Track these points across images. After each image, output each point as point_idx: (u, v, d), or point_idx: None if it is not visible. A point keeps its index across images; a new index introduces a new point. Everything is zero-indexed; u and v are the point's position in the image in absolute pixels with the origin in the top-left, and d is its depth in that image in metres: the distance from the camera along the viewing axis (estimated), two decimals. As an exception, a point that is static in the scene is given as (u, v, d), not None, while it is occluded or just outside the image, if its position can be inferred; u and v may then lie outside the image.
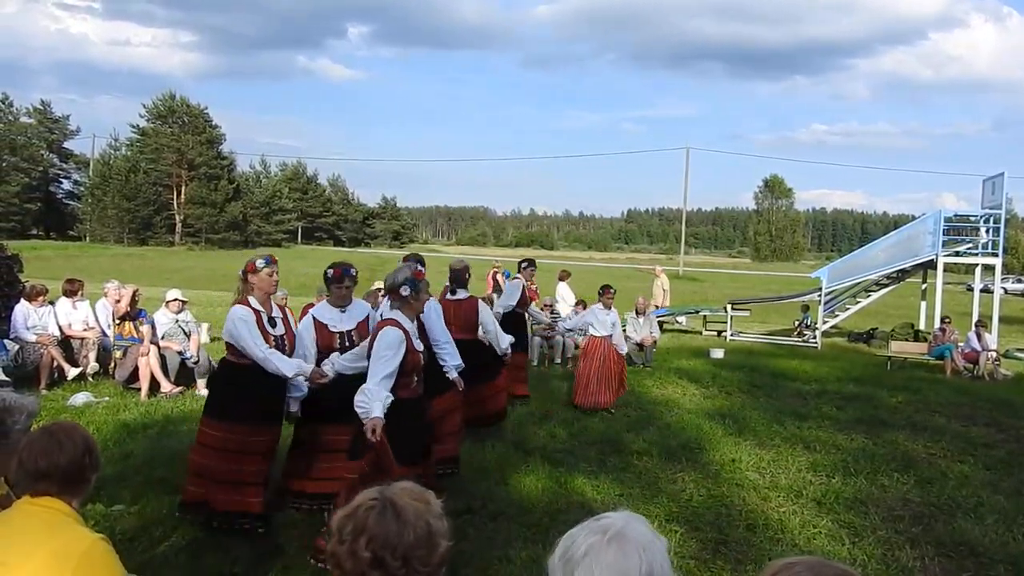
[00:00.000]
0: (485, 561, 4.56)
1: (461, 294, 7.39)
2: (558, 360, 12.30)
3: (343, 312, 5.27)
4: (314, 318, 5.25)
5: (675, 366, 12.56)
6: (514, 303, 8.96)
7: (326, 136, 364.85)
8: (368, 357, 4.41)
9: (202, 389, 8.98)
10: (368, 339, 4.68)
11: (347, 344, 5.13)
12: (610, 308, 9.65)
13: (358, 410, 4.12)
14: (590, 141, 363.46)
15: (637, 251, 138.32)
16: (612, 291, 9.83)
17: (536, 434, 7.71)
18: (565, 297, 14.63)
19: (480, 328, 7.27)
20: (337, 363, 4.92)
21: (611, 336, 9.52)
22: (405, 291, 4.49)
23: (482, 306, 7.40)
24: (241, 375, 4.80)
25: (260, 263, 5.00)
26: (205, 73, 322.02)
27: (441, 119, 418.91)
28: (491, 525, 5.14)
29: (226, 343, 4.93)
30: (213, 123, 72.48)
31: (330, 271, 5.31)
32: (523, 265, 9.75)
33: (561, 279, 15.80)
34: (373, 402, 4.09)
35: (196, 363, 9.12)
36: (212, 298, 23.12)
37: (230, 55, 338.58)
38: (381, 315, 4.93)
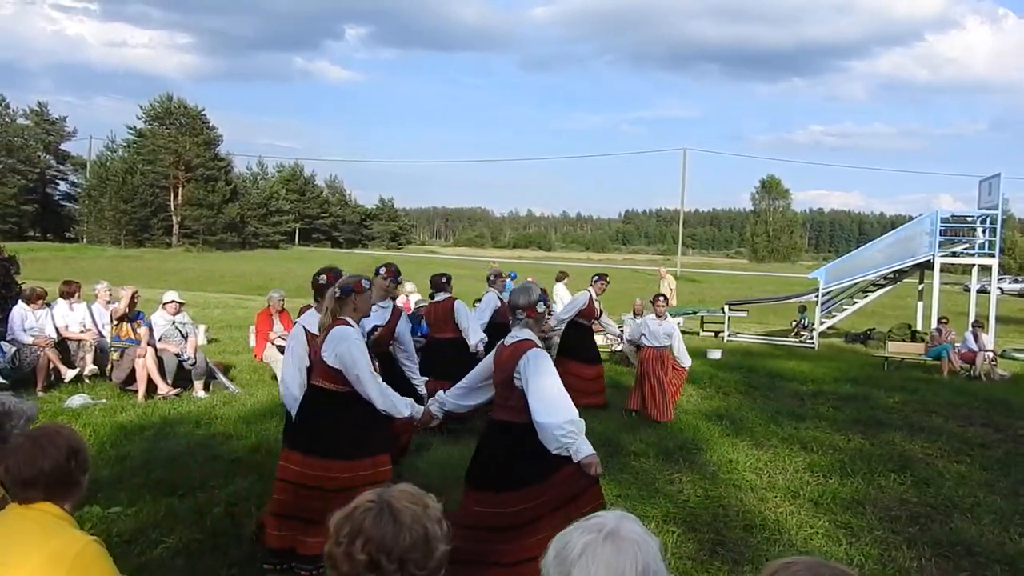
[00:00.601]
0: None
1: (440, 296, 8.27)
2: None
3: None
4: (306, 330, 4.78)
5: (672, 367, 12.55)
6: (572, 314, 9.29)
7: (324, 137, 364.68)
8: (478, 388, 4.24)
9: (199, 391, 8.98)
10: (483, 370, 4.30)
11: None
12: (663, 317, 9.20)
13: (560, 448, 3.72)
14: (588, 142, 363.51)
15: (635, 252, 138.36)
16: (663, 299, 9.41)
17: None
18: (562, 298, 14.61)
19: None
20: (448, 401, 4.40)
21: (668, 348, 9.10)
22: (541, 308, 4.19)
23: (458, 305, 8.03)
24: (338, 403, 4.24)
25: (366, 283, 4.41)
26: (203, 75, 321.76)
27: (439, 120, 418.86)
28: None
29: (334, 369, 4.20)
30: (210, 125, 72.56)
31: (322, 277, 5.13)
32: (594, 279, 9.72)
33: (559, 280, 15.82)
34: (581, 436, 3.78)
35: (193, 365, 9.11)
36: (209, 300, 23.15)
37: (228, 57, 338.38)
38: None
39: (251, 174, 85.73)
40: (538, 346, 4.02)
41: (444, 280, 8.35)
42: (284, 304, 10.07)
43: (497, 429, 4.10)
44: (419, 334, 11.17)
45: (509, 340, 4.14)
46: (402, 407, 4.28)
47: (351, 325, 4.26)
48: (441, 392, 4.50)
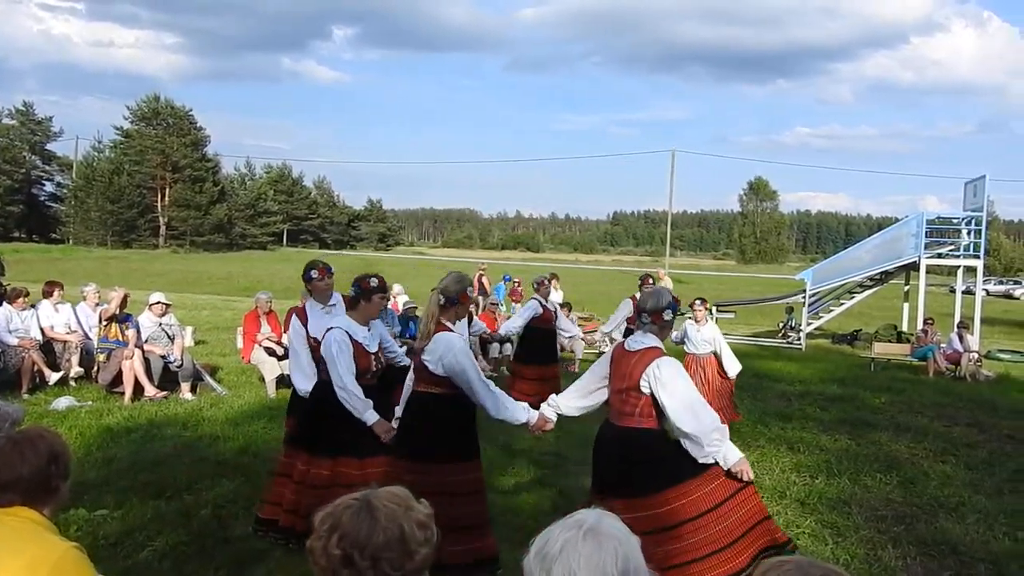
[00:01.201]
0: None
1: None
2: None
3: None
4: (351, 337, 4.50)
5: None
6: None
7: (312, 138, 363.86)
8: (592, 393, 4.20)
9: (186, 393, 8.94)
10: (598, 375, 4.22)
11: (378, 366, 4.67)
12: (702, 322, 8.73)
13: (707, 456, 3.78)
14: (577, 143, 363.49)
15: (623, 253, 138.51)
16: (702, 303, 8.91)
17: (523, 436, 7.70)
18: (553, 299, 14.62)
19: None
20: (562, 405, 4.34)
21: (711, 355, 8.61)
22: (668, 315, 4.07)
23: None
24: (443, 405, 4.18)
25: (470, 291, 4.39)
26: (190, 75, 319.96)
27: (428, 121, 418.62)
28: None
29: (437, 375, 4.11)
30: (198, 125, 72.23)
31: (314, 272, 5.12)
32: (536, 284, 9.51)
33: (548, 281, 15.80)
34: (727, 442, 3.83)
35: (180, 367, 9.08)
36: (197, 301, 23.03)
37: (215, 57, 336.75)
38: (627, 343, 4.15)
39: (239, 175, 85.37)
40: (666, 353, 3.97)
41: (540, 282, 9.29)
42: (272, 306, 10.04)
43: (618, 436, 4.01)
44: (408, 335, 11.19)
45: (634, 346, 4.05)
46: (519, 414, 4.21)
47: (453, 331, 4.18)
48: (554, 396, 4.47)
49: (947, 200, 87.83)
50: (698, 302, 8.90)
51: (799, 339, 18.98)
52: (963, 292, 19.84)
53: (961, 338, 14.88)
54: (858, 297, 20.58)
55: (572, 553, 1.42)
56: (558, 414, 4.35)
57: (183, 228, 68.54)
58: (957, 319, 16.60)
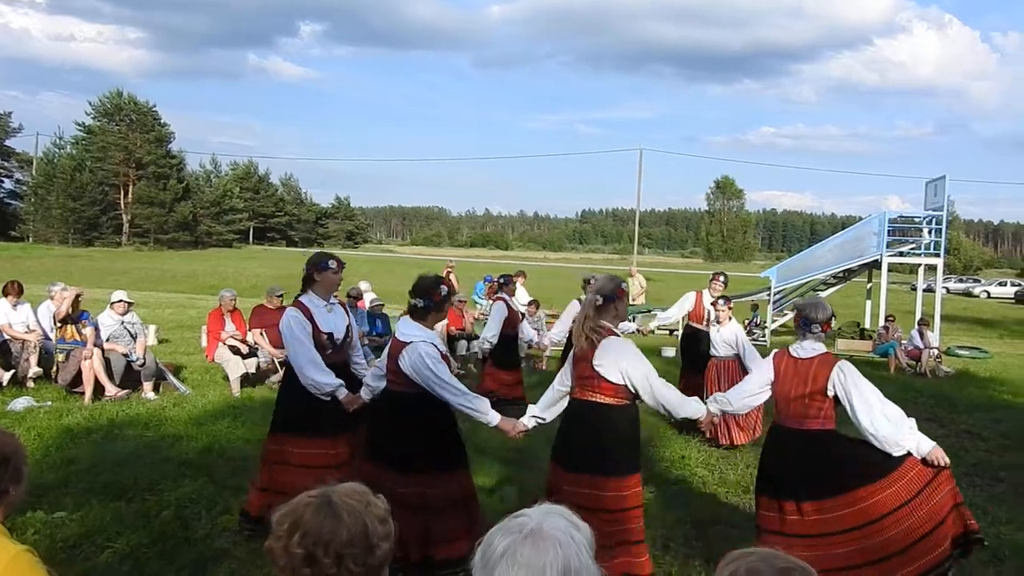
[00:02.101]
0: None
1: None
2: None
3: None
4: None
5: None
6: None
7: (279, 136, 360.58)
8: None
9: (148, 392, 8.82)
10: (763, 379, 4.43)
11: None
12: (724, 322, 8.05)
13: (903, 450, 4.01)
14: (546, 142, 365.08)
15: (591, 251, 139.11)
16: (725, 303, 8.22)
17: (489, 433, 7.68)
18: (519, 297, 14.65)
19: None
20: (733, 401, 4.55)
21: (734, 358, 7.98)
22: (833, 322, 4.52)
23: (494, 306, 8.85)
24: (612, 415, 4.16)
25: (624, 286, 4.38)
26: (154, 71, 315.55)
27: (396, 119, 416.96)
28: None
29: (615, 383, 4.06)
30: (162, 121, 71.08)
31: (332, 262, 4.89)
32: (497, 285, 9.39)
33: (515, 278, 15.82)
34: (917, 433, 4.14)
35: (142, 366, 8.94)
36: (160, 300, 22.75)
37: (180, 53, 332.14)
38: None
39: (204, 172, 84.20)
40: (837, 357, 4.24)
41: (503, 281, 9.34)
42: (236, 304, 9.94)
43: (808, 439, 4.14)
44: (374, 333, 11.14)
45: (805, 353, 4.26)
46: (699, 409, 4.31)
47: (619, 335, 4.14)
48: (719, 393, 4.63)
49: (909, 200, 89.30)
50: (721, 301, 8.22)
51: (764, 336, 19.20)
52: (924, 290, 20.21)
53: (922, 335, 15.14)
54: (822, 294, 20.85)
55: (511, 559, 1.41)
56: (541, 423, 4.44)
57: (147, 226, 67.47)
58: (918, 316, 16.89)
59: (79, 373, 8.51)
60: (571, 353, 4.31)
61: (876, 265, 19.71)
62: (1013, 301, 48.21)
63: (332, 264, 4.85)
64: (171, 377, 9.40)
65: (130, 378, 8.93)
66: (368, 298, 12.31)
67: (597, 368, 4.01)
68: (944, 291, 22.35)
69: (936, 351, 15.08)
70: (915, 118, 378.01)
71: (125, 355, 8.91)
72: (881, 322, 16.88)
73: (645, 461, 6.89)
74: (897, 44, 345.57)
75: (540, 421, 4.45)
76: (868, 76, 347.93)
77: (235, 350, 9.44)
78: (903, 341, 15.31)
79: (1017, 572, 4.86)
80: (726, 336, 8.01)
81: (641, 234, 74.79)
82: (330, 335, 4.74)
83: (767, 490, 4.28)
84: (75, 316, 8.94)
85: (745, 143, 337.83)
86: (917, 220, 20.22)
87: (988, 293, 53.17)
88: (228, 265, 44.96)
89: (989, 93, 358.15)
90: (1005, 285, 56.16)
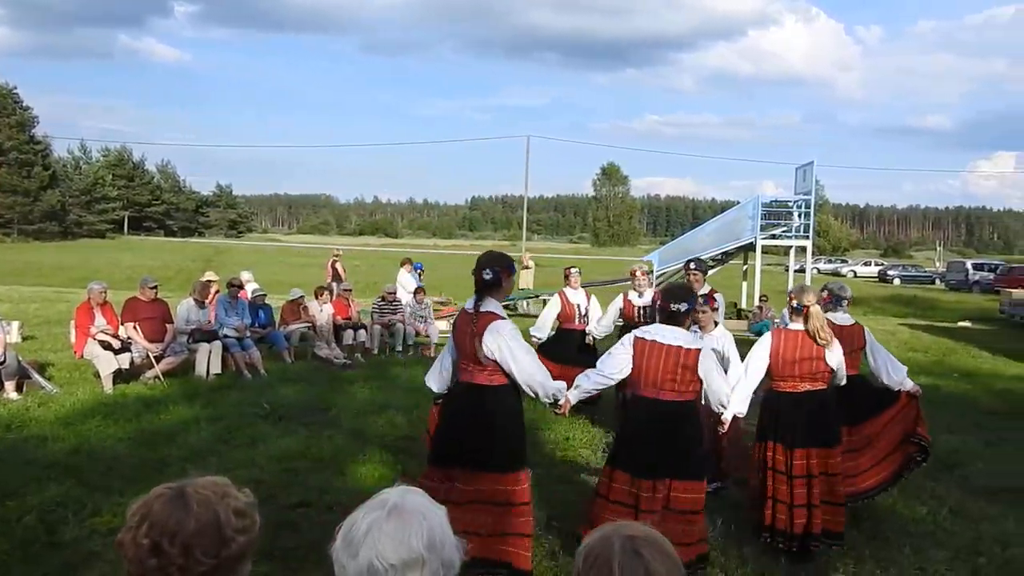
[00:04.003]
0: (319, 554, 4.48)
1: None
2: (399, 348, 12.24)
3: None
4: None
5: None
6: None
7: (155, 121, 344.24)
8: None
9: (10, 392, 8.30)
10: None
11: None
12: (708, 327, 6.05)
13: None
14: (434, 128, 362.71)
15: (481, 238, 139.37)
16: (706, 302, 6.12)
17: (375, 423, 7.67)
18: (405, 284, 14.59)
19: None
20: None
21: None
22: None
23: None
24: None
25: None
26: (14, 50, 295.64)
27: (280, 104, 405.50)
28: (326, 517, 5.06)
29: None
30: (24, 104, 66.76)
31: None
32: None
33: (402, 265, 15.89)
34: None
35: (3, 364, 8.41)
36: (25, 294, 21.41)
37: (43, 31, 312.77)
38: None
39: (73, 159, 79.79)
40: None
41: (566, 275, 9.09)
42: (107, 296, 9.47)
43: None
44: (256, 324, 10.85)
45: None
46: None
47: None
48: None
49: (783, 185, 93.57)
50: (701, 299, 5.91)
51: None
52: (796, 270, 21.26)
53: (761, 309, 15.97)
54: (702, 277, 21.60)
55: (377, 535, 1.43)
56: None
57: (9, 216, 63.25)
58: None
59: (-69, 374, 7.94)
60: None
61: (751, 247, 20.58)
62: (877, 280, 51.33)
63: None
64: (36, 375, 8.87)
65: (-11, 378, 8.38)
66: (250, 288, 11.98)
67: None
68: (814, 271, 23.56)
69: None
70: (787, 107, 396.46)
71: (-17, 354, 8.36)
72: (756, 302, 17.66)
73: (532, 443, 6.97)
74: (770, 35, 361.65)
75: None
76: (743, 66, 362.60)
77: (106, 345, 9.00)
78: (776, 320, 15.98)
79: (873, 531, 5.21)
80: (715, 343, 5.90)
81: (530, 220, 75.47)
82: None
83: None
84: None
85: (630, 130, 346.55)
86: (788, 204, 21.22)
87: (855, 272, 56.35)
88: (101, 256, 42.68)
89: (854, 84, 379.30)
90: (870, 265, 59.90)
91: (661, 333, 4.37)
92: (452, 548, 1.49)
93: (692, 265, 7.25)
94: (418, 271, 18.77)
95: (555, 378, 4.29)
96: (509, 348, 4.01)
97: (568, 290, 8.67)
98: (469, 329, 4.07)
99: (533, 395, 4.16)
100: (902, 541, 4.98)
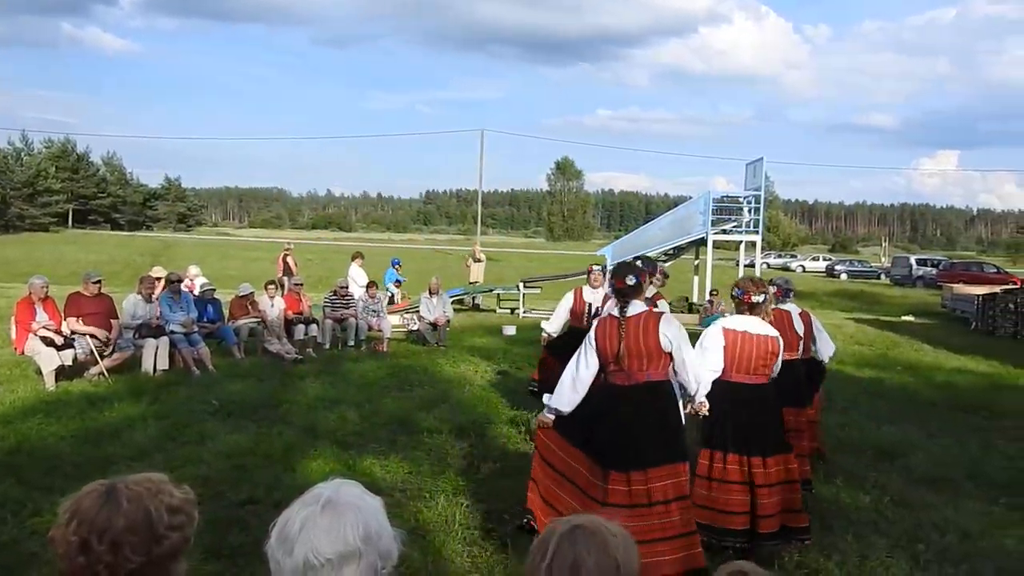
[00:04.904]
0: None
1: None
2: (351, 343, 12.15)
3: None
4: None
5: (469, 344, 12.82)
6: None
7: (99, 112, 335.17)
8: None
9: (-53, 390, 8.06)
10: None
11: None
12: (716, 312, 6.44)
13: None
14: (387, 122, 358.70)
15: (436, 232, 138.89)
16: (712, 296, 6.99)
17: (326, 418, 7.59)
18: (356, 279, 14.49)
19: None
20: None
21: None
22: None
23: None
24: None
25: None
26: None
27: (228, 96, 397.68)
28: (275, 514, 4.98)
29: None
30: (-39, 93, 64.75)
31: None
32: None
33: (353, 260, 15.77)
34: None
35: (-61, 361, 8.17)
36: (-37, 289, 20.75)
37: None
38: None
39: (13, 150, 77.39)
40: None
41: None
42: (48, 291, 9.23)
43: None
44: (205, 319, 10.67)
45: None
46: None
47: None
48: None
49: (733, 181, 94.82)
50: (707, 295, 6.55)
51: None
52: (746, 265, 21.56)
53: (711, 303, 16.24)
54: (654, 271, 21.83)
55: (311, 530, 1.41)
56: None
57: (-54, 208, 61.41)
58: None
59: None
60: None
61: (703, 242, 20.84)
62: (824, 274, 52.31)
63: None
64: (-26, 373, 8.63)
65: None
66: (199, 282, 11.78)
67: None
68: (764, 266, 23.95)
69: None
70: (737, 103, 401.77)
71: (-82, 350, 8.11)
72: (707, 296, 17.89)
73: (484, 439, 7.04)
74: (720, 33, 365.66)
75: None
76: (695, 63, 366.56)
77: (48, 341, 8.77)
78: (726, 313, 16.26)
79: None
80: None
81: (485, 215, 75.51)
82: None
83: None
84: None
85: (583, 125, 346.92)
86: (739, 200, 21.54)
87: (803, 268, 57.33)
88: (44, 250, 41.50)
89: (802, 82, 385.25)
90: (818, 260, 60.97)
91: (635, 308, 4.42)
92: (389, 539, 1.49)
93: (596, 267, 7.91)
94: (395, 266, 18.67)
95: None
96: (679, 339, 4.31)
97: (586, 288, 8.27)
98: (634, 331, 4.29)
99: (691, 387, 4.43)
100: (845, 529, 5.10)
